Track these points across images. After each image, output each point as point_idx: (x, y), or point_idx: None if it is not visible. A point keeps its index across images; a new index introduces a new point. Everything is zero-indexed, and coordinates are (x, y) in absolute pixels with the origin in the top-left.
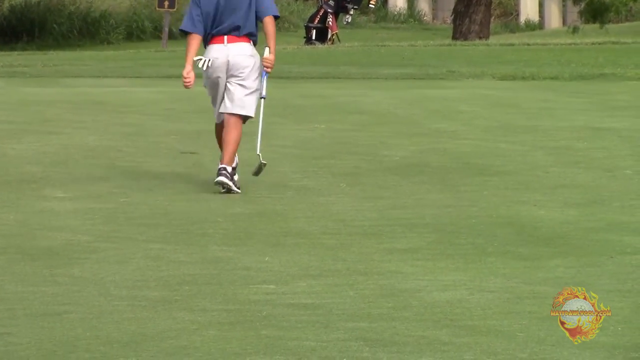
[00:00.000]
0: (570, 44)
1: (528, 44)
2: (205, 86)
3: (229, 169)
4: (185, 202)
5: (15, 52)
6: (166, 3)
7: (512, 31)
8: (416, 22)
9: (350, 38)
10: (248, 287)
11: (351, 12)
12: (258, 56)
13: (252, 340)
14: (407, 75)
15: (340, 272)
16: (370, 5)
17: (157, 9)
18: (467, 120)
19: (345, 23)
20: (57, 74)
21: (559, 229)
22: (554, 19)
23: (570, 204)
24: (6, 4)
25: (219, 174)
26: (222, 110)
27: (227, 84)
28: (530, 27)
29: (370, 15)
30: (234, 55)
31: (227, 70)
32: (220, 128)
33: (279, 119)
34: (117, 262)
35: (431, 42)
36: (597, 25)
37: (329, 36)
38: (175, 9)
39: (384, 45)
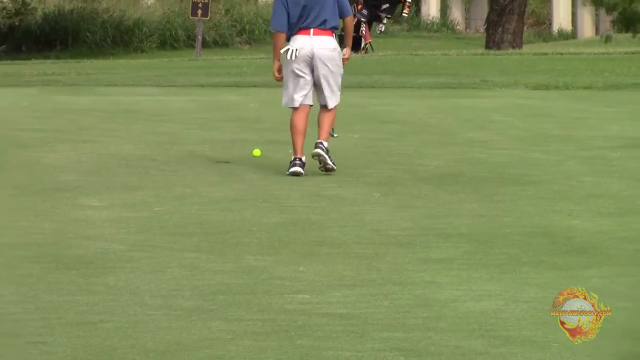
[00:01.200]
0: (603, 54)
1: (561, 54)
2: (283, 74)
3: (325, 144)
4: (219, 211)
5: (49, 61)
6: (199, 11)
7: (545, 40)
8: (449, 31)
9: (383, 47)
10: (283, 296)
11: (384, 21)
12: (339, 48)
13: (287, 350)
14: (441, 84)
15: (374, 282)
16: (403, 14)
17: (191, 17)
18: (500, 129)
19: (378, 32)
20: (90, 83)
21: (593, 238)
22: (586, 28)
23: (604, 213)
24: (39, 12)
25: (317, 147)
26: (320, 102)
27: (320, 77)
28: (563, 36)
29: (403, 24)
30: (319, 48)
31: (312, 61)
32: (297, 114)
33: (312, 129)
34: (151, 271)
35: (464, 51)
36: (629, 34)
37: (363, 45)
38: (208, 18)
39: (417, 54)
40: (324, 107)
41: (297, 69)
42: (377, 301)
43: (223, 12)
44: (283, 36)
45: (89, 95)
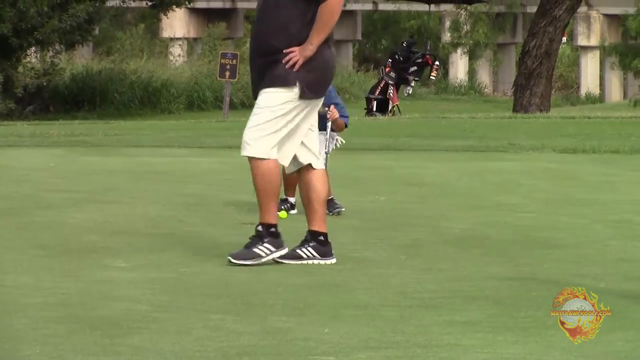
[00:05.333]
0: (630, 117)
1: (588, 117)
2: None
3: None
4: (245, 272)
5: (77, 121)
6: (227, 73)
7: (573, 104)
8: (477, 94)
9: (411, 109)
10: (308, 358)
11: (412, 84)
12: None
13: None
14: (468, 147)
15: (399, 345)
16: (431, 77)
17: (218, 78)
18: (527, 193)
19: (406, 94)
20: (118, 144)
21: (618, 302)
22: (614, 92)
23: (630, 277)
24: (67, 73)
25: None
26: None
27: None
28: (590, 99)
29: (431, 87)
30: None
31: None
32: None
33: (339, 190)
34: (176, 332)
35: (492, 114)
36: None
37: (390, 107)
38: (236, 79)
39: (445, 117)
40: None
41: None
42: None
43: None
44: None
45: (116, 156)
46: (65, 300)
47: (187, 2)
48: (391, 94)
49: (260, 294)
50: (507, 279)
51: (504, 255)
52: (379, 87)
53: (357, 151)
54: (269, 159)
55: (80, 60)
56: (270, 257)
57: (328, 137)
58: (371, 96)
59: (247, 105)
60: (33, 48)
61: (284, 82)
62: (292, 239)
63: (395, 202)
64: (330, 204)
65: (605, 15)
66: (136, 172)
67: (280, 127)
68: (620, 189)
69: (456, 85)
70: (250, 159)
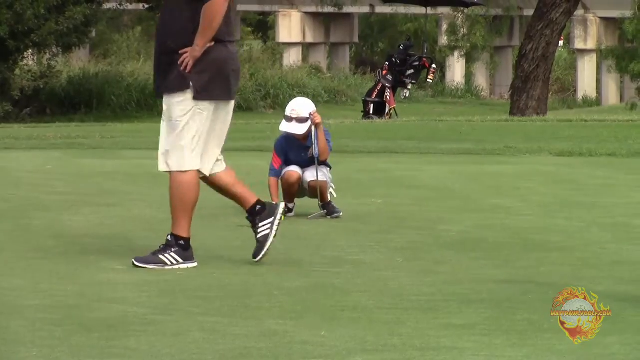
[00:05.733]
0: (628, 121)
1: (585, 120)
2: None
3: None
4: (241, 275)
5: (73, 124)
6: None
7: (570, 107)
8: (473, 97)
9: (407, 112)
10: None
11: (409, 87)
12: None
13: None
14: (465, 150)
15: (396, 347)
16: (428, 80)
17: None
18: (524, 196)
19: (403, 97)
20: (115, 146)
21: (615, 305)
22: (611, 96)
23: (626, 280)
24: (64, 75)
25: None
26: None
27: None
28: (587, 103)
29: (428, 90)
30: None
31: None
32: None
33: (336, 192)
34: (173, 335)
35: (488, 117)
36: None
37: (387, 110)
38: None
39: (442, 120)
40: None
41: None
42: None
43: (248, 76)
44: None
45: (113, 158)
46: (62, 302)
47: None
48: (388, 97)
49: (257, 296)
50: (504, 282)
51: (501, 258)
52: (376, 90)
53: (354, 154)
54: (187, 171)
55: (77, 63)
56: (175, 267)
57: (316, 165)
58: (368, 99)
59: (244, 108)
60: (30, 50)
61: (178, 85)
62: (290, 240)
63: (392, 204)
64: (329, 209)
65: (602, 19)
66: (133, 174)
67: (192, 136)
68: (617, 192)
69: (453, 88)
70: (169, 172)
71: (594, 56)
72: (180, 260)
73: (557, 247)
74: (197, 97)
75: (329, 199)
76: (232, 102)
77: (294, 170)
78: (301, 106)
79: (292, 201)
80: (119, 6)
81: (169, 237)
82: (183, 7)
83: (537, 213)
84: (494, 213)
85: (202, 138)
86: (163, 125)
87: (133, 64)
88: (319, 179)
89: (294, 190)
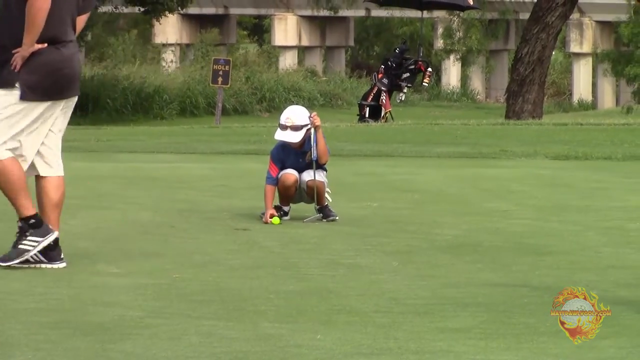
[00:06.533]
0: (623, 124)
1: (581, 124)
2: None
3: None
4: (237, 278)
5: (69, 127)
6: (220, 79)
7: (565, 110)
8: (469, 100)
9: (403, 116)
10: None
11: (405, 90)
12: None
13: None
14: (460, 153)
15: (391, 351)
16: (423, 84)
17: (211, 85)
18: (519, 199)
19: (398, 101)
20: (110, 149)
21: (611, 309)
22: (607, 99)
23: (622, 284)
24: None
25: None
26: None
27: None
28: (583, 106)
29: (423, 94)
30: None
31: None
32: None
33: (331, 197)
34: (169, 338)
35: (484, 121)
36: None
37: (383, 114)
38: (229, 85)
39: (437, 124)
40: None
41: None
42: None
43: (243, 79)
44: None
45: (109, 162)
46: (57, 306)
47: (179, 8)
48: (384, 101)
49: (253, 300)
50: (500, 285)
51: (496, 261)
52: (372, 94)
53: (349, 157)
54: (2, 159)
55: None
56: (39, 248)
57: (314, 167)
58: (364, 102)
59: (239, 111)
60: None
61: (5, 83)
62: (286, 243)
63: (388, 208)
64: (325, 212)
65: (598, 22)
66: (128, 177)
67: (7, 129)
68: (613, 196)
69: (449, 91)
70: None
71: (589, 60)
72: (39, 239)
73: (552, 250)
74: (24, 97)
75: (325, 202)
76: (62, 104)
77: (290, 173)
78: (296, 114)
79: (287, 204)
80: (114, 9)
81: (20, 224)
82: (16, 6)
83: (533, 217)
84: (489, 217)
85: (27, 135)
86: None
87: (129, 67)
88: (317, 179)
89: (290, 193)
